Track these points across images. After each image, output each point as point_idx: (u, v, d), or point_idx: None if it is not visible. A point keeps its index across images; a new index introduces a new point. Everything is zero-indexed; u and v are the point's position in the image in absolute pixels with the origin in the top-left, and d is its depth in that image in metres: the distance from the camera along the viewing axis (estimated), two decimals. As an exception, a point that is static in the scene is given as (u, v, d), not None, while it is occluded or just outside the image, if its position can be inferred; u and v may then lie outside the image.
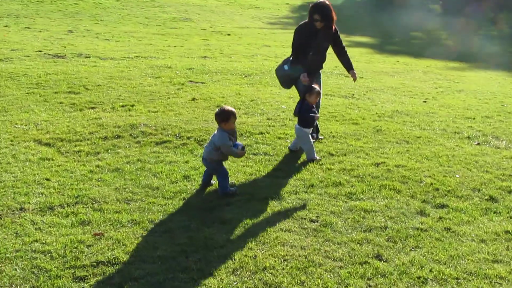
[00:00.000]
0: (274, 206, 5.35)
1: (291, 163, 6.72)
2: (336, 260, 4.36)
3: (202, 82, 11.71)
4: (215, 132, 5.64)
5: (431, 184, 6.19)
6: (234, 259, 4.28)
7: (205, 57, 15.91)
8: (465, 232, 5.01)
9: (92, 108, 8.90)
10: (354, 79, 7.88)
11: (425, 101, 11.42)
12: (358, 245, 4.64)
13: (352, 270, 4.21)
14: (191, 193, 5.60)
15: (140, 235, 4.61)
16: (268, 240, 4.62)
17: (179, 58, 15.24)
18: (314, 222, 5.04)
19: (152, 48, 17.15)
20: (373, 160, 6.97)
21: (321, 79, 7.78)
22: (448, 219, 5.30)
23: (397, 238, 4.80)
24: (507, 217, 5.45)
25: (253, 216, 5.08)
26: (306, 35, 7.35)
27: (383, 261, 4.39)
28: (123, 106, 9.08)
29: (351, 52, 20.26)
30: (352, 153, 7.26)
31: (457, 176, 6.52)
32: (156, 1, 30.60)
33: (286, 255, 4.39)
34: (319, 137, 7.85)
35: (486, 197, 5.92)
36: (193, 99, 9.86)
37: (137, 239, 4.54)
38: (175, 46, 18.09)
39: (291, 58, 7.67)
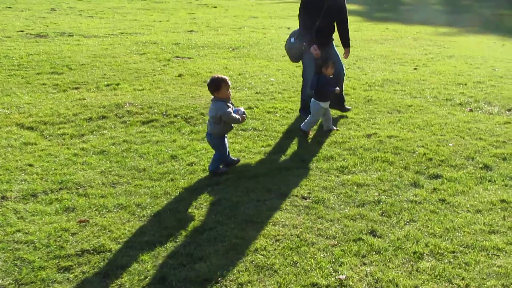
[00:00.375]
0: (264, 184, 5.20)
1: (281, 138, 6.57)
2: (329, 238, 4.24)
3: (188, 57, 11.48)
4: (210, 104, 5.46)
5: (424, 154, 6.06)
6: (224, 241, 4.14)
7: (191, 31, 15.61)
8: (460, 203, 4.90)
9: (76, 88, 8.67)
10: (346, 57, 7.57)
11: (415, 68, 11.25)
12: (352, 221, 4.52)
13: (346, 247, 4.09)
14: (179, 173, 5.45)
15: (127, 220, 4.47)
16: (259, 220, 4.48)
17: (164, 33, 14.94)
18: (306, 199, 4.91)
19: (137, 24, 16.82)
20: (364, 132, 6.83)
21: (336, 50, 7.44)
22: (443, 190, 5.18)
23: (391, 212, 4.68)
24: (502, 185, 5.34)
25: (243, 195, 4.94)
26: (312, 5, 7.02)
27: (378, 237, 4.28)
28: (108, 85, 8.86)
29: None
30: (343, 125, 7.11)
31: (450, 145, 6.40)
32: (140, -25, 29.99)
33: (278, 235, 4.26)
34: (347, 107, 7.73)
35: (480, 166, 5.80)
36: (180, 75, 9.65)
37: (123, 224, 4.39)
38: (160, 21, 17.75)
39: (297, 30, 7.41)
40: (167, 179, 5.30)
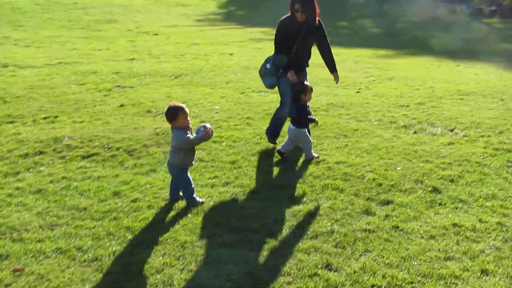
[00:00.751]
0: (213, 219, 4.99)
1: (229, 168, 6.38)
2: (284, 274, 4.06)
3: (130, 87, 11.18)
4: (171, 134, 5.28)
5: (374, 179, 6.01)
6: (173, 285, 3.90)
7: (132, 59, 15.31)
8: (413, 229, 4.83)
9: (11, 122, 8.24)
10: (336, 81, 7.42)
11: (358, 92, 11.35)
12: (306, 255, 4.36)
13: (302, 284, 3.92)
14: (123, 211, 5.16)
15: (66, 266, 4.15)
16: (209, 259, 4.26)
17: (104, 62, 14.57)
18: (258, 233, 4.73)
19: (76, 52, 16.36)
20: (315, 159, 6.73)
21: (307, 78, 7.30)
22: (395, 216, 5.11)
23: (345, 243, 4.56)
24: (452, 208, 5.32)
25: (191, 233, 4.71)
26: (288, 30, 6.83)
27: (334, 271, 4.13)
28: (45, 118, 8.46)
29: (281, 45, 20.04)
30: (291, 152, 6.99)
31: (398, 168, 6.38)
32: (78, 3, 29.47)
33: (230, 275, 4.05)
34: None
35: (430, 189, 5.79)
36: (121, 106, 9.35)
37: (62, 271, 4.07)
38: (100, 50, 17.34)
39: (273, 56, 7.18)
40: (109, 218, 5.01)
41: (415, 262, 4.25)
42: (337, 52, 18.48)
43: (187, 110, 5.21)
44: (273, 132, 7.30)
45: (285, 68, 6.90)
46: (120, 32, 23.04)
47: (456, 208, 5.31)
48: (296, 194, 5.59)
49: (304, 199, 5.49)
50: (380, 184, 5.88)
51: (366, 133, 7.95)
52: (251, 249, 4.44)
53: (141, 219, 4.98)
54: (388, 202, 5.44)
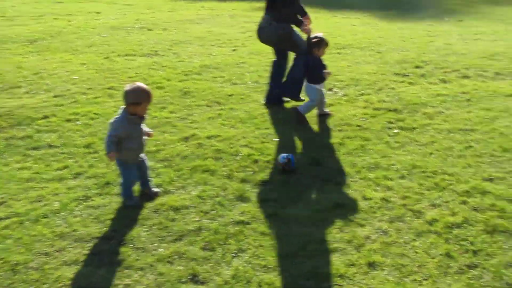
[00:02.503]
0: (54, 226, 4.10)
1: (82, 154, 5.44)
2: (139, 297, 3.32)
3: (-28, 57, 9.67)
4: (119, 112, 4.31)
5: (249, 155, 5.36)
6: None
7: (-21, 23, 13.48)
8: (294, 216, 4.24)
9: None
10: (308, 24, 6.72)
11: (234, 50, 10.62)
12: (168, 264, 3.63)
13: (160, 310, 3.20)
14: None
15: None
16: (48, 282, 3.41)
17: None
18: (110, 241, 3.92)
19: None
20: (182, 134, 5.96)
21: None
22: (272, 200, 4.50)
23: (215, 243, 3.88)
24: (335, 184, 4.80)
25: (25, 250, 3.81)
26: None
27: (200, 283, 3.44)
28: None
29: (152, 1, 18.76)
30: (157, 128, 6.16)
31: (275, 139, 5.77)
32: None
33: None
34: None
35: (311, 161, 5.24)
36: (-42, 82, 7.96)
37: None
38: None
39: (267, 15, 6.70)
40: None
41: (297, 260, 3.66)
42: (212, 5, 17.66)
43: (152, 98, 4.28)
44: (297, 90, 6.91)
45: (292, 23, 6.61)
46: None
47: (339, 184, 4.80)
48: (160, 182, 4.80)
49: (170, 187, 4.73)
50: (256, 161, 5.25)
51: (241, 99, 7.28)
52: (99, 265, 3.63)
53: (-38, 236, 3.99)
54: (265, 183, 4.82)
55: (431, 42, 11.08)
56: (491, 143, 5.52)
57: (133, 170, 4.44)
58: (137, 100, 4.17)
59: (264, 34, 6.83)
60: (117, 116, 4.26)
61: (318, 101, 6.37)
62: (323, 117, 6.46)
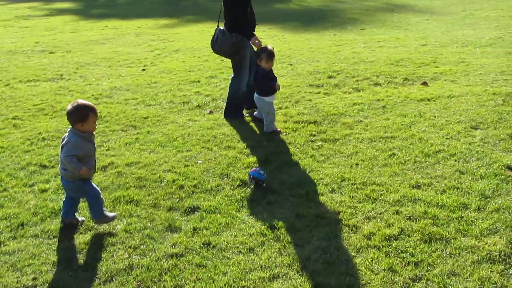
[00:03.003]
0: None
1: (-11, 194, 4.97)
2: None
3: None
4: (66, 134, 4.16)
5: (174, 181, 5.11)
6: None
7: None
8: (227, 243, 4.05)
9: None
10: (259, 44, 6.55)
11: (144, 69, 10.32)
12: (99, 312, 3.32)
13: None
14: None
15: None
16: None
17: None
18: (31, 290, 3.55)
19: None
20: (98, 163, 5.58)
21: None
22: (204, 228, 4.27)
23: (149, 281, 3.60)
24: (266, 204, 4.65)
25: None
26: None
27: (138, 330, 3.16)
28: None
29: (52, 22, 18.00)
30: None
31: (199, 161, 5.56)
32: None
33: None
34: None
35: (238, 183, 5.07)
36: None
37: None
38: None
39: (222, 28, 6.69)
40: None
41: (237, 292, 3.47)
42: (116, 24, 17.18)
43: (96, 111, 4.21)
44: (235, 109, 6.97)
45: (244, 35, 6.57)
46: None
47: (270, 204, 4.66)
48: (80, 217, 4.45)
49: (92, 223, 4.39)
50: (182, 186, 5.01)
51: (158, 120, 7.00)
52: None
53: None
54: (194, 209, 4.59)
55: (339, 51, 11.29)
56: (413, 150, 5.60)
57: (93, 185, 4.32)
58: (84, 116, 4.07)
59: (217, 44, 6.76)
60: (69, 138, 4.09)
61: (273, 112, 6.33)
62: (258, 121, 6.61)
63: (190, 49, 12.48)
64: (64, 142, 4.14)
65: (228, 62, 10.63)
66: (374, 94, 7.78)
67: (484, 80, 8.22)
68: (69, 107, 4.13)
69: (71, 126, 4.15)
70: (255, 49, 6.60)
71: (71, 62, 11.13)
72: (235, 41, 6.57)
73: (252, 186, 4.94)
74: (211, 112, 7.31)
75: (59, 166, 4.30)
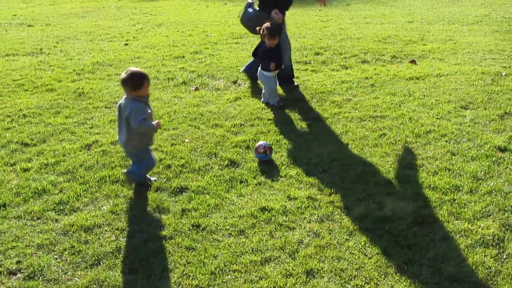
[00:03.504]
0: None
1: (-31, 173, 4.80)
2: None
3: None
4: (123, 103, 4.32)
5: (160, 160, 4.99)
6: None
7: None
8: (217, 225, 3.95)
9: None
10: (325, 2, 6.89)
11: (126, 44, 10.09)
12: (84, 299, 3.22)
13: None
14: None
15: None
16: None
17: None
18: (15, 274, 3.43)
19: None
20: (82, 141, 5.46)
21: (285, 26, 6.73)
22: (193, 209, 4.17)
23: (137, 264, 3.50)
24: (256, 185, 4.55)
25: None
26: None
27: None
28: None
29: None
30: (53, 136, 5.62)
31: (186, 140, 5.44)
32: None
33: None
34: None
35: (226, 162, 4.96)
36: None
37: None
38: None
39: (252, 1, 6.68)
40: None
41: (229, 277, 3.38)
42: (96, -3, 16.73)
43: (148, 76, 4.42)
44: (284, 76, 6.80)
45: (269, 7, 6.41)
46: None
47: (260, 184, 4.56)
48: (65, 199, 4.31)
49: (77, 204, 4.26)
50: (169, 166, 4.89)
51: (142, 97, 6.82)
52: (6, 307, 3.15)
53: None
54: (182, 190, 4.48)
55: (325, 27, 11.16)
56: (403, 130, 5.53)
57: (152, 154, 4.56)
58: (139, 83, 4.24)
59: (241, 17, 6.85)
60: (131, 106, 4.22)
61: (271, 87, 6.27)
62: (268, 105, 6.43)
63: (173, 23, 12.24)
64: (127, 112, 4.22)
65: (212, 37, 10.44)
66: (362, 71, 7.68)
67: (472, 58, 8.17)
68: (123, 75, 4.28)
69: (126, 94, 4.30)
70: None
71: (50, 36, 10.84)
72: (253, 15, 6.52)
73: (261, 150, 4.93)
74: (197, 89, 7.16)
75: (118, 137, 4.49)
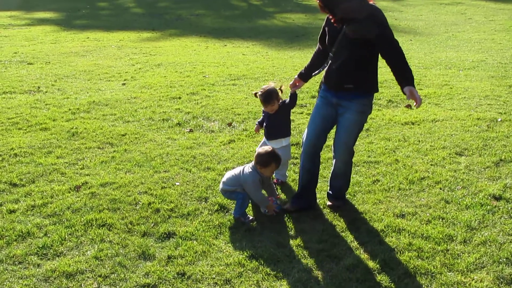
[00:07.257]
0: None
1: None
2: None
3: None
4: (244, 168, 4.71)
5: (149, 204, 4.90)
6: None
7: None
8: (203, 273, 3.85)
9: None
10: (417, 105, 4.20)
11: (124, 84, 10.09)
12: None
13: None
14: None
15: None
16: None
17: None
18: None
19: None
20: (71, 182, 5.39)
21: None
22: (179, 256, 4.07)
23: (118, 315, 3.39)
24: (244, 231, 4.46)
25: None
26: (329, 24, 4.57)
27: None
28: None
29: (32, 32, 17.70)
30: (43, 177, 5.55)
31: (177, 183, 5.37)
32: None
33: None
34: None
35: (216, 207, 4.88)
36: None
37: None
38: None
39: None
40: None
41: (212, 329, 3.26)
42: (98, 36, 16.93)
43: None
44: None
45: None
46: None
47: (249, 231, 4.47)
48: (49, 243, 4.22)
49: (61, 248, 4.16)
50: (158, 210, 4.80)
51: (136, 138, 6.79)
52: None
53: None
54: (169, 235, 4.38)
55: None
56: (397, 176, 5.46)
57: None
58: (265, 162, 4.55)
59: None
60: (252, 174, 4.58)
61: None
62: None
63: (172, 64, 12.29)
64: (243, 173, 4.67)
65: (210, 78, 10.47)
66: (358, 116, 7.64)
67: (468, 104, 8.16)
68: (260, 150, 4.64)
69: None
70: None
71: (49, 74, 10.87)
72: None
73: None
74: (191, 131, 7.13)
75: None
